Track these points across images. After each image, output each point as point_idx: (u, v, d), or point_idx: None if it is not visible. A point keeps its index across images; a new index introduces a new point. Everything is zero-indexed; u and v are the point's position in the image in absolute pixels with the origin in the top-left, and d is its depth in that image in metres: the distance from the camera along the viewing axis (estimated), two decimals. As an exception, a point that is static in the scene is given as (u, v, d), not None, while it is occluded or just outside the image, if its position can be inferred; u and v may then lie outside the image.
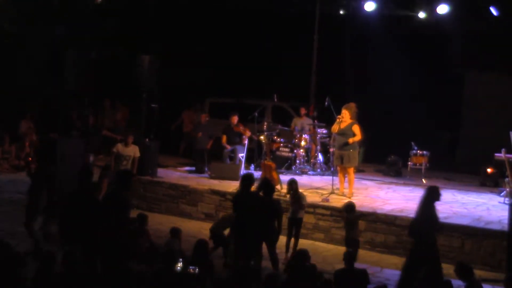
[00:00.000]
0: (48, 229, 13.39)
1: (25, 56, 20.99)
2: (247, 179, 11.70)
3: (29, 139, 20.31)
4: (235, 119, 18.86)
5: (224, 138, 18.81)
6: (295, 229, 12.95)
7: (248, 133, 18.68)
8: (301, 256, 10.13)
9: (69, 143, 16.45)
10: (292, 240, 12.87)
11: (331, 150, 18.07)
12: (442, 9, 19.80)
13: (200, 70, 24.20)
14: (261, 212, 11.24)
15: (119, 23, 22.75)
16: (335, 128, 15.80)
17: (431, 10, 20.28)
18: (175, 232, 11.65)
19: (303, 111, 20.02)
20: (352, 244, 12.16)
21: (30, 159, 18.33)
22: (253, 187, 11.91)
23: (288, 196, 14.00)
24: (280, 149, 19.50)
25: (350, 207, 12.70)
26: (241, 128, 18.75)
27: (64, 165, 15.50)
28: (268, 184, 11.80)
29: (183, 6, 23.79)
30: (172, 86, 22.91)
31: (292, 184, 13.28)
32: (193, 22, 24.45)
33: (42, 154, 16.33)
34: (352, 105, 15.79)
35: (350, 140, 15.46)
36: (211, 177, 17.62)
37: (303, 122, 19.78)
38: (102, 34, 22.44)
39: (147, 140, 18.35)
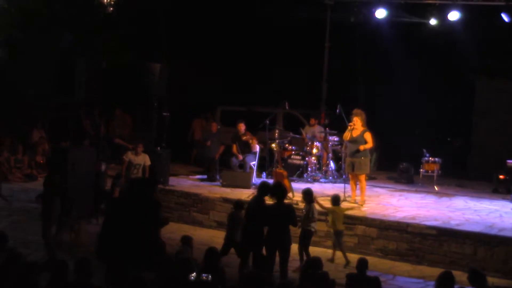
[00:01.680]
0: (61, 238, 13.45)
1: (35, 65, 21.04)
2: (265, 188, 11.69)
3: (41, 148, 20.37)
4: (242, 126, 18.81)
5: (235, 147, 18.80)
6: (305, 240, 12.93)
7: (255, 142, 18.60)
8: (314, 264, 10.10)
9: (81, 152, 16.50)
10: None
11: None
12: (453, 16, 19.73)
13: (211, 78, 24.21)
14: (275, 219, 11.22)
15: (129, 32, 22.78)
16: (346, 135, 15.81)
17: (442, 17, 20.20)
18: (187, 240, 11.64)
19: (312, 121, 20.01)
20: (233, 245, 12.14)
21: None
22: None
23: (300, 204, 14.00)
24: (292, 157, 19.47)
25: (239, 204, 12.68)
26: (248, 137, 18.71)
27: (76, 174, 15.56)
28: (279, 188, 11.76)
29: (194, 15, 23.83)
30: (183, 94, 22.96)
31: (305, 195, 13.21)
32: (204, 30, 24.46)
33: (53, 163, 16.35)
34: (362, 112, 15.78)
35: (361, 147, 15.45)
36: (223, 185, 17.60)
37: (313, 130, 19.76)
38: (112, 43, 22.50)
39: (158, 148, 18.37)
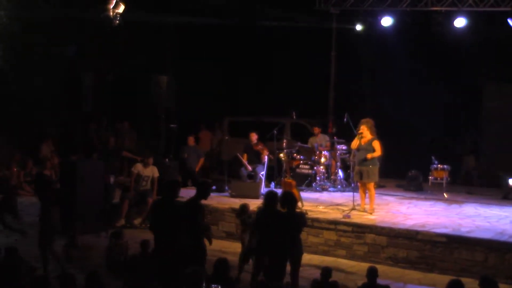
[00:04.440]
0: (70, 252, 13.47)
1: (42, 79, 21.10)
2: (271, 197, 11.68)
3: (50, 162, 20.41)
4: (254, 136, 18.87)
5: (245, 157, 18.82)
6: None
7: (266, 152, 18.66)
8: (324, 273, 10.07)
9: (90, 165, 16.53)
10: None
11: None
12: (460, 22, 19.75)
13: (218, 89, 24.25)
14: (285, 228, 11.21)
15: (136, 44, 22.84)
16: (354, 144, 15.81)
17: (448, 23, 20.20)
18: (145, 244, 11.83)
19: (316, 130, 19.98)
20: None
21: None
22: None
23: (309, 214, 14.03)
24: (300, 166, 19.48)
25: (243, 208, 12.80)
26: (260, 147, 18.76)
27: (85, 187, 15.60)
28: (288, 197, 11.74)
29: (199, 25, 23.87)
30: (190, 106, 22.98)
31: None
32: (210, 41, 24.52)
33: (62, 177, 16.41)
34: (370, 120, 15.78)
35: (369, 156, 15.42)
36: (232, 196, 17.59)
37: (318, 140, 19.74)
38: (119, 55, 22.55)
39: (166, 160, 18.38)
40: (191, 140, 20.06)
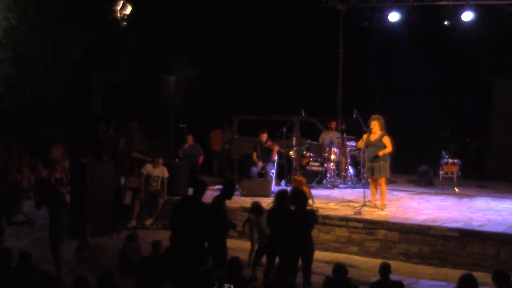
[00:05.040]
0: (83, 254, 13.50)
1: (49, 82, 21.11)
2: (282, 195, 11.68)
3: (61, 165, 20.42)
4: (264, 136, 18.82)
5: (255, 155, 18.81)
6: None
7: (276, 148, 18.63)
8: (338, 270, 10.06)
9: (100, 167, 16.55)
10: None
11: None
12: (467, 16, 19.70)
13: (227, 88, 24.23)
14: (296, 226, 11.20)
15: (143, 44, 22.84)
16: (361, 143, 15.84)
17: (456, 17, 20.16)
18: (131, 236, 11.95)
19: (333, 125, 19.94)
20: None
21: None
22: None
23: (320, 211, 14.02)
24: (310, 163, 19.43)
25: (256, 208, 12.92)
26: (269, 143, 18.74)
27: (96, 189, 15.61)
28: (298, 194, 11.72)
29: (205, 25, 23.88)
30: (199, 105, 22.99)
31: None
32: (217, 41, 24.51)
33: (73, 179, 16.43)
34: (380, 116, 15.77)
35: (380, 153, 15.41)
36: (242, 195, 17.56)
37: (331, 136, 19.71)
38: (126, 56, 22.53)
39: (176, 160, 18.39)
40: (190, 139, 20.05)
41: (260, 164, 18.68)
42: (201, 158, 20.12)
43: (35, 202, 12.77)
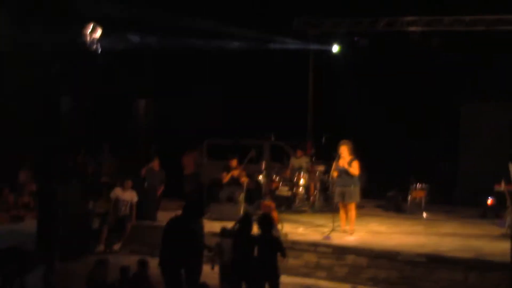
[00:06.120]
0: (50, 279, 13.35)
1: (19, 104, 20.96)
2: (245, 220, 11.67)
3: (28, 188, 20.27)
4: (234, 162, 18.74)
5: (227, 177, 18.62)
6: None
7: (244, 179, 18.41)
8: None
9: (68, 191, 16.44)
10: None
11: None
12: (435, 42, 19.94)
13: (197, 112, 24.22)
14: (261, 249, 11.19)
15: (113, 68, 22.77)
16: (334, 173, 15.82)
17: (425, 43, 20.37)
18: (100, 263, 11.94)
19: (299, 153, 19.96)
20: None
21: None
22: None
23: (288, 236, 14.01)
24: (279, 188, 19.44)
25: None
26: (237, 172, 18.53)
27: (64, 213, 15.51)
28: (266, 219, 11.71)
29: (178, 50, 23.86)
30: (170, 129, 22.93)
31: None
32: (188, 65, 24.52)
33: (41, 203, 16.31)
34: (349, 141, 15.82)
35: (350, 170, 15.42)
36: (211, 219, 17.51)
37: (300, 162, 19.73)
38: (96, 80, 22.45)
39: (145, 184, 18.31)
40: (156, 165, 19.74)
41: (227, 178, 18.46)
42: (161, 188, 19.75)
43: None
